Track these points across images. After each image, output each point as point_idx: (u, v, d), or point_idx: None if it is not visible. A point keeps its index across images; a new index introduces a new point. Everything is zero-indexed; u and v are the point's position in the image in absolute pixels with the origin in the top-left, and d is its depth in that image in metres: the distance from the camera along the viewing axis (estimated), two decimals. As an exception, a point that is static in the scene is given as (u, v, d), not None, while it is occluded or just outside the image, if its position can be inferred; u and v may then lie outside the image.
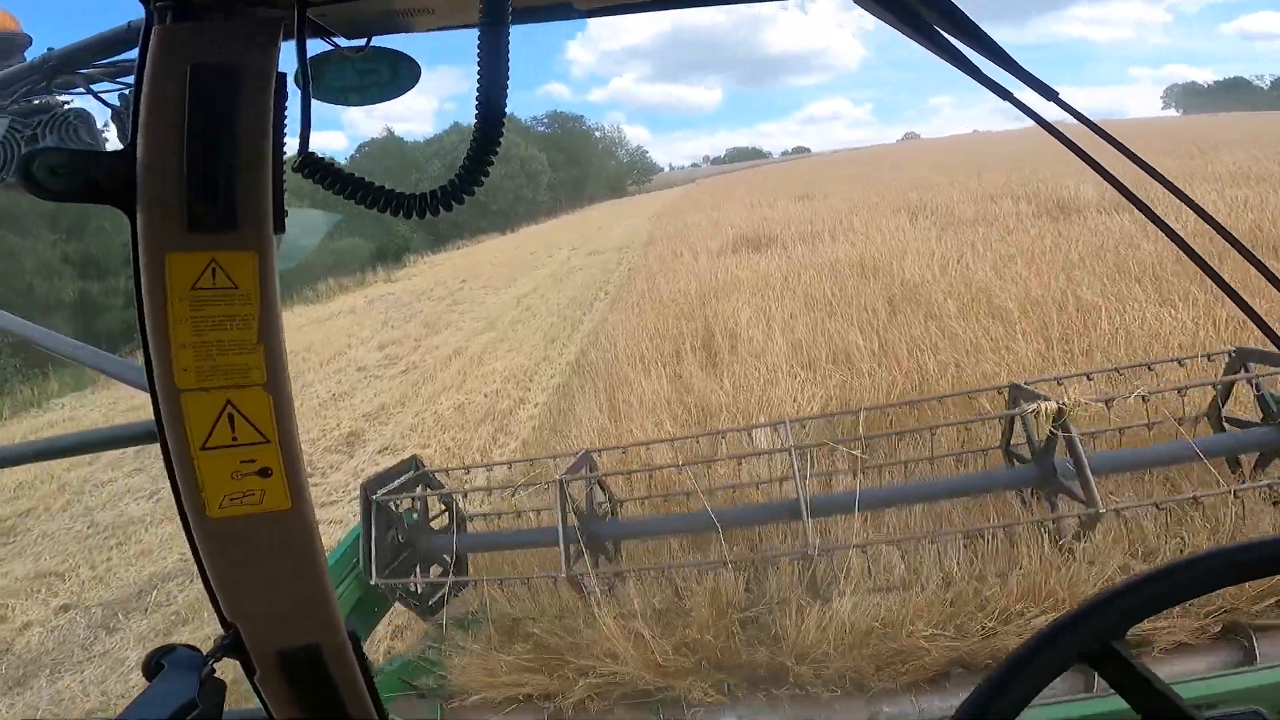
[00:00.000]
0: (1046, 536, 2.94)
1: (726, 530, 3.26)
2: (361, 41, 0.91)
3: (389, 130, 60.43)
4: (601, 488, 3.75)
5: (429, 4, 0.86)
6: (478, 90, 0.73)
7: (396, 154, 57.05)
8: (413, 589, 3.44)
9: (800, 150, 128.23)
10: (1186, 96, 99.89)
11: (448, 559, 3.53)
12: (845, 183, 25.10)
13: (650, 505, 3.97)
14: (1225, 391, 3.31)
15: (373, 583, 3.24)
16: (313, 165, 0.85)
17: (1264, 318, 0.86)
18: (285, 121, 0.86)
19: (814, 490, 3.38)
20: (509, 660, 3.02)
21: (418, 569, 3.55)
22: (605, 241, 27.74)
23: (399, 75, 0.92)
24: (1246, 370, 3.11)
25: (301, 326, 23.11)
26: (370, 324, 19.82)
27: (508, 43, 0.73)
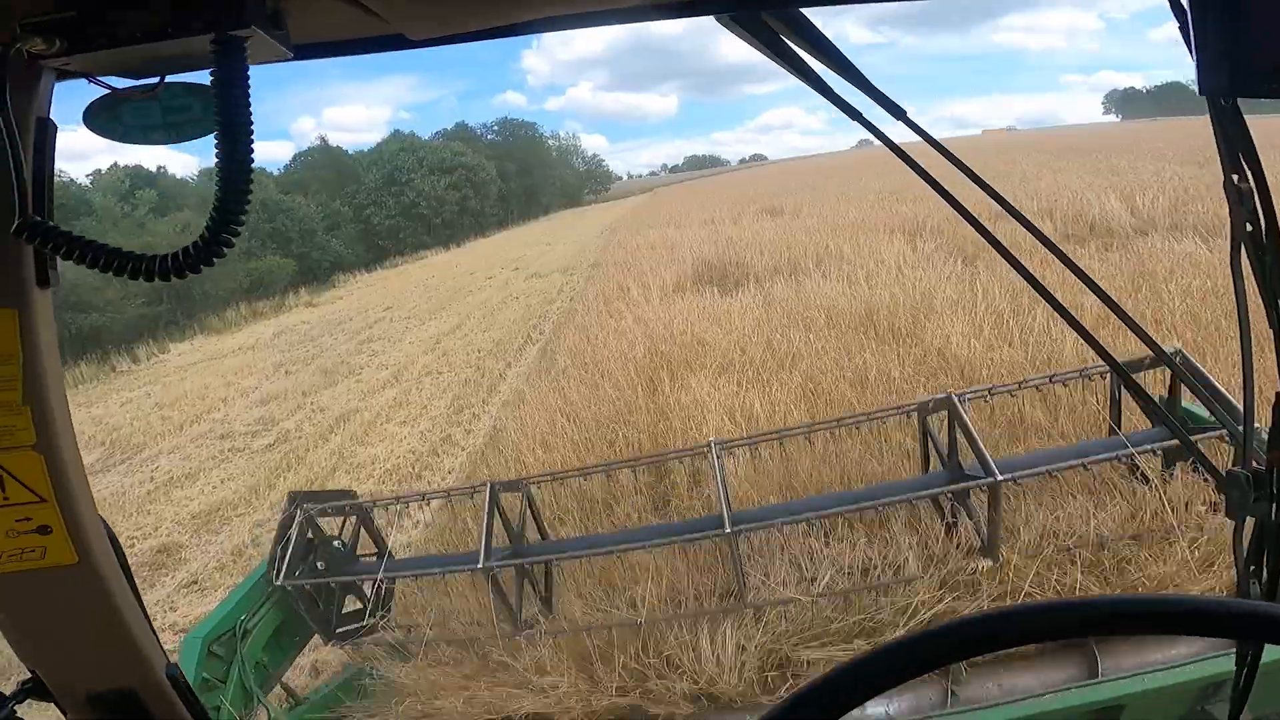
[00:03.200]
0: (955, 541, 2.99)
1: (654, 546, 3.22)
2: (154, 80, 0.85)
3: (322, 139, 56.55)
4: (533, 512, 3.63)
5: (201, 49, 0.76)
6: (217, 146, 0.69)
7: (334, 164, 53.17)
8: (321, 609, 3.28)
9: (757, 158, 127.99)
10: (1126, 102, 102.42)
11: (366, 589, 3.48)
12: (815, 194, 22.67)
13: (580, 528, 3.95)
14: (1117, 396, 3.34)
15: (277, 582, 3.13)
16: (33, 231, 0.78)
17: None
18: (51, 169, 0.84)
19: (739, 507, 3.41)
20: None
21: (338, 596, 3.38)
22: (551, 260, 24.97)
23: (210, 111, 0.78)
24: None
25: (186, 369, 19.68)
26: (263, 367, 16.56)
27: (247, 89, 0.69)
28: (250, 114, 0.70)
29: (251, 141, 0.70)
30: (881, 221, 12.27)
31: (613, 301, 9.50)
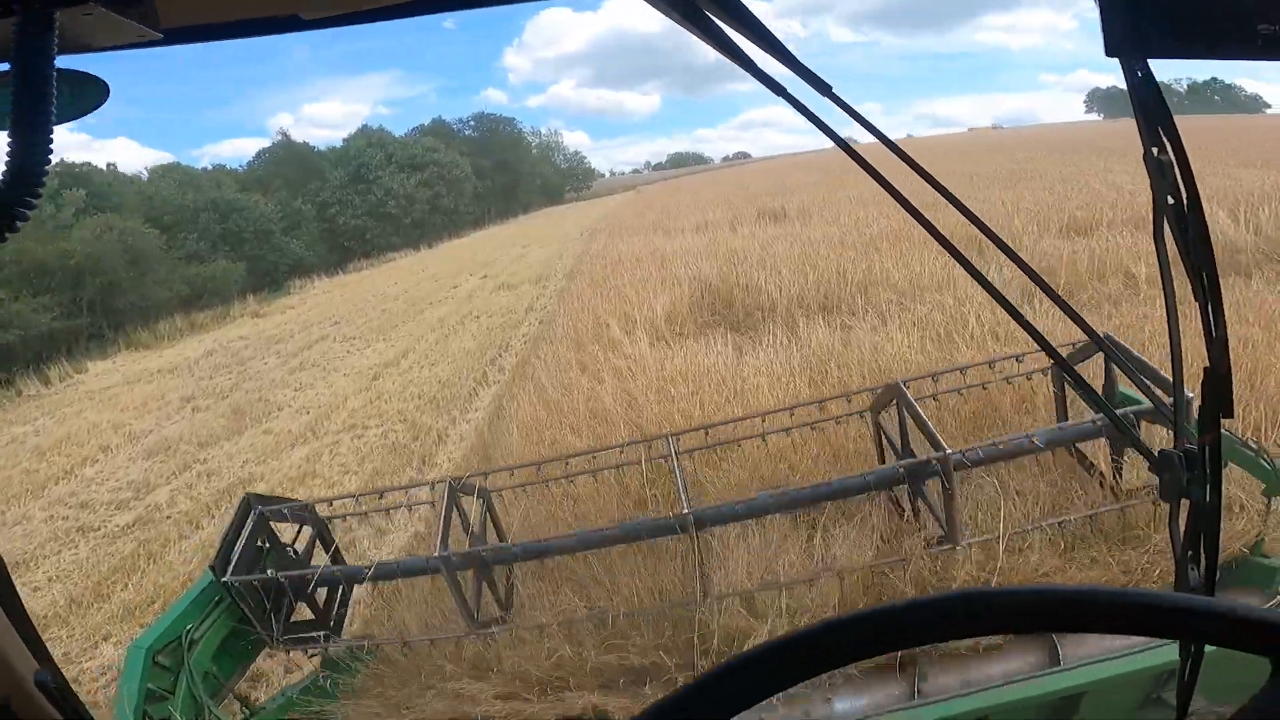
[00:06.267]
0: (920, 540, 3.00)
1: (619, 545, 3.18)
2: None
3: (284, 134, 53.36)
4: (489, 511, 3.63)
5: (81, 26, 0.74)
6: (12, 114, 0.64)
7: (299, 161, 50.07)
8: (267, 608, 3.16)
9: (741, 155, 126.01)
10: (1108, 101, 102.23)
11: (319, 598, 3.45)
12: (817, 194, 20.18)
13: (541, 526, 3.85)
14: (1062, 384, 3.43)
15: (223, 580, 3.06)
16: None
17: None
18: None
19: (698, 501, 3.38)
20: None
21: (287, 600, 3.28)
22: (523, 267, 22.40)
23: (82, 95, 0.79)
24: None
25: (95, 395, 16.80)
26: (172, 400, 13.85)
27: (52, 49, 0.65)
28: (51, 89, 0.64)
29: (49, 116, 0.64)
30: (917, 232, 9.85)
31: (586, 345, 6.99)
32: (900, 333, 5.40)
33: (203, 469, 9.28)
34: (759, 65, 0.79)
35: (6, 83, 0.72)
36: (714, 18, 0.77)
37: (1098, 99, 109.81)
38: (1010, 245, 0.95)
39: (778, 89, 0.81)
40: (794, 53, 0.79)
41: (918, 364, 4.92)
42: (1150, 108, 0.78)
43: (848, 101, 0.83)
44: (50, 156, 0.63)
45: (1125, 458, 3.02)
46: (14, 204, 0.62)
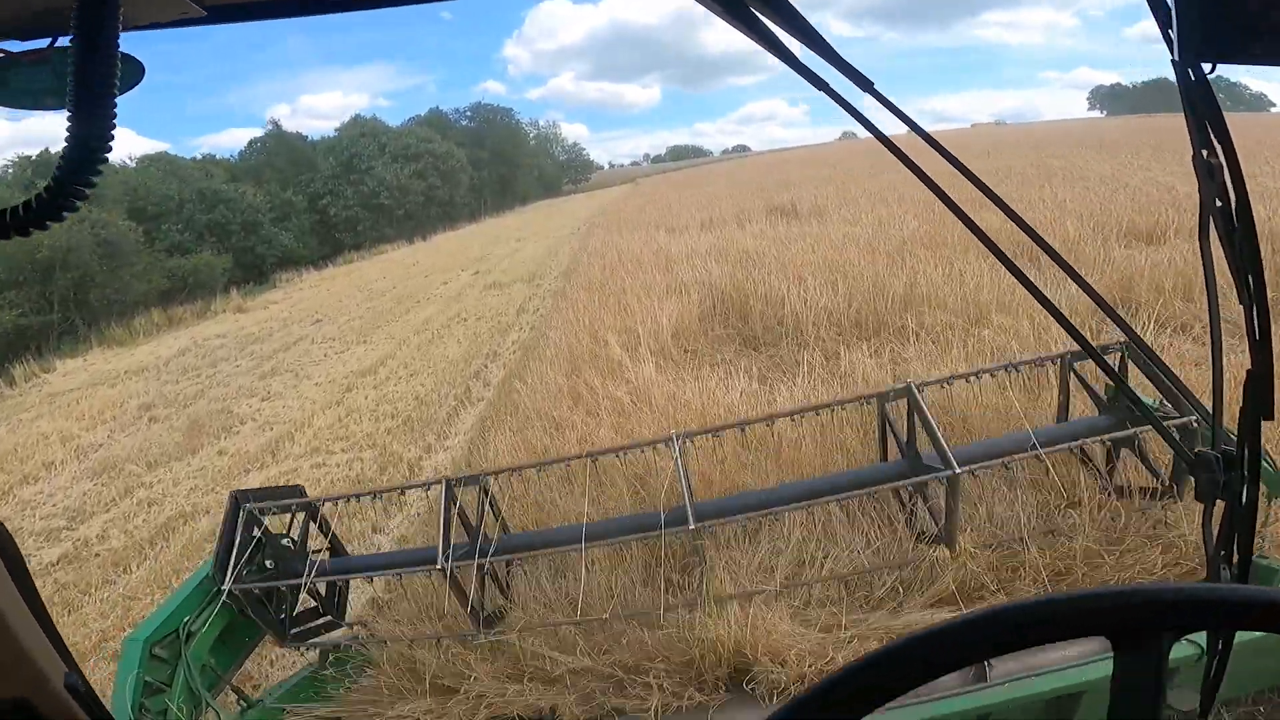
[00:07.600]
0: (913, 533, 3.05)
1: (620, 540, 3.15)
2: (44, 43, 0.79)
3: (275, 124, 51.91)
4: (492, 507, 3.48)
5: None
6: (71, 97, 0.61)
7: (290, 151, 48.78)
8: (271, 610, 3.19)
9: (740, 149, 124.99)
10: (1111, 99, 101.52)
11: (319, 587, 3.40)
12: (827, 189, 19.05)
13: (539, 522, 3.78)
14: (1066, 383, 3.37)
15: (222, 588, 3.04)
16: None
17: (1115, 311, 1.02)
18: None
19: (700, 496, 3.30)
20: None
21: (289, 596, 3.32)
22: (517, 264, 21.28)
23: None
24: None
25: (57, 398, 15.63)
26: (129, 408, 12.78)
27: (115, 31, 0.61)
28: (116, 63, 0.61)
29: (113, 92, 0.61)
30: (951, 236, 8.73)
31: (581, 368, 5.91)
32: (968, 367, 4.36)
33: (146, 495, 8.20)
34: (801, 60, 0.80)
35: (45, 58, 0.73)
36: (759, 14, 0.77)
37: (1101, 96, 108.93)
38: (1065, 252, 0.99)
39: (821, 85, 0.80)
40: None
41: (999, 409, 3.87)
42: (1202, 110, 0.77)
43: (887, 98, 0.84)
44: (114, 133, 0.61)
45: (1121, 459, 3.07)
46: (75, 181, 0.60)
